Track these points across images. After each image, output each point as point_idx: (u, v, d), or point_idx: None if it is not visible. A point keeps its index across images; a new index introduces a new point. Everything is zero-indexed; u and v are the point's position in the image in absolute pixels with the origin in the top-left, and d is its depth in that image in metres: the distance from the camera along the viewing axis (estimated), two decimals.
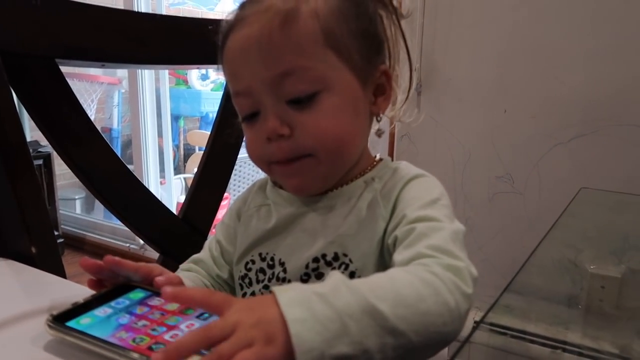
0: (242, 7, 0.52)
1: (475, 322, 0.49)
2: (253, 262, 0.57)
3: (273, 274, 0.54)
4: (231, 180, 0.93)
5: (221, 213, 0.94)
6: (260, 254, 0.56)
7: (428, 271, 0.39)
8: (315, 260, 0.52)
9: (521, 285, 0.62)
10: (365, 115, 0.54)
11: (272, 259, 0.55)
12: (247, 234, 0.58)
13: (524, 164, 1.34)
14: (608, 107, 1.22)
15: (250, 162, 0.56)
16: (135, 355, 0.37)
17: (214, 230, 0.72)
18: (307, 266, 0.52)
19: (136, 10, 2.28)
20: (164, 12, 2.50)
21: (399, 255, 0.45)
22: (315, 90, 0.49)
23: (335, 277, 0.36)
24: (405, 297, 0.36)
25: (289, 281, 0.53)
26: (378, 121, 0.57)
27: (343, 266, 0.51)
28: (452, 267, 0.41)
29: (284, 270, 0.53)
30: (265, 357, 0.32)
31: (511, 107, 1.34)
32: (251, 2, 0.51)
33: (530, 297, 0.68)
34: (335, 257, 0.51)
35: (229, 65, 0.52)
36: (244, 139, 0.55)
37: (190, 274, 0.60)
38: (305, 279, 0.52)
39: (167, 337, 0.39)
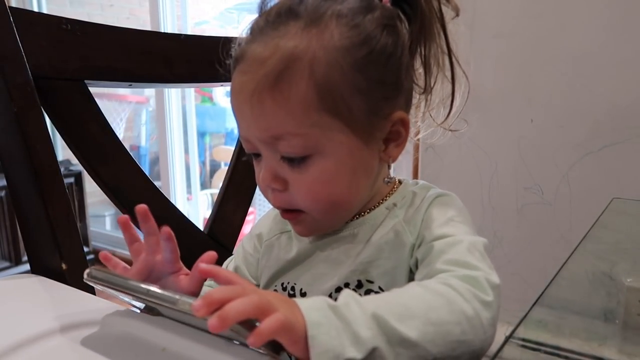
0: (249, 36, 0.49)
1: (505, 336, 0.48)
2: (276, 292, 0.56)
3: None
4: (256, 195, 0.94)
5: (246, 228, 0.94)
6: (282, 284, 0.56)
7: (443, 283, 0.40)
8: (338, 290, 0.51)
9: (553, 299, 0.61)
10: (366, 170, 0.50)
11: (292, 288, 0.55)
12: (269, 265, 0.58)
13: (553, 174, 1.31)
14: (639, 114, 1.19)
15: None
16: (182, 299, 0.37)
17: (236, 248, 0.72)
18: (330, 296, 0.51)
19: (162, 30, 2.34)
20: (189, 32, 2.56)
21: (418, 275, 0.46)
22: (306, 154, 0.47)
23: (345, 294, 0.37)
24: (412, 308, 0.37)
25: None
26: (389, 168, 0.54)
27: (372, 293, 0.50)
28: (468, 277, 0.40)
29: None
30: (293, 325, 0.33)
31: (538, 117, 1.32)
32: (255, 38, 0.47)
33: (564, 312, 0.66)
34: (359, 285, 0.50)
35: (232, 107, 0.50)
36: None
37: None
38: None
39: None
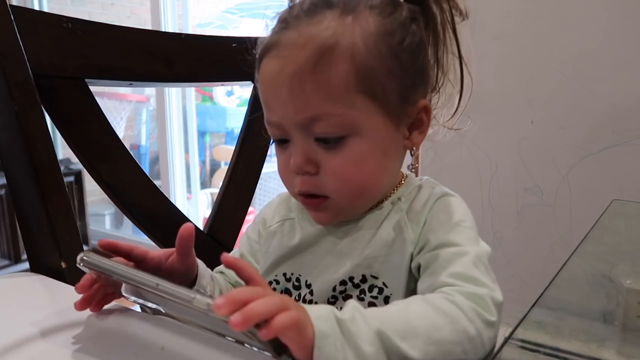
0: (281, 25, 0.50)
1: (504, 337, 0.48)
2: (277, 282, 0.56)
3: (299, 295, 0.54)
4: (256, 195, 0.94)
5: (246, 227, 0.94)
6: (284, 274, 0.56)
7: (448, 300, 0.40)
8: (343, 283, 0.51)
9: (552, 300, 0.61)
10: (396, 153, 0.53)
11: (297, 279, 0.55)
12: (271, 251, 0.58)
13: (553, 175, 1.31)
14: None
15: (275, 176, 0.56)
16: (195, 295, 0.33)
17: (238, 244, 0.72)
18: (334, 289, 0.52)
19: (163, 29, 2.34)
20: (190, 32, 2.57)
21: (422, 284, 0.46)
22: (343, 135, 0.48)
23: (351, 305, 0.38)
24: (416, 327, 0.37)
25: (316, 303, 0.53)
26: (412, 155, 0.55)
27: (376, 289, 0.50)
28: (474, 295, 0.41)
29: (311, 292, 0.53)
30: (304, 328, 0.34)
31: (538, 118, 1.32)
32: (290, 26, 0.49)
33: (563, 313, 0.66)
34: (363, 279, 0.50)
35: (263, 93, 0.51)
36: (277, 160, 0.54)
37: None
38: (332, 301, 0.52)
39: None
